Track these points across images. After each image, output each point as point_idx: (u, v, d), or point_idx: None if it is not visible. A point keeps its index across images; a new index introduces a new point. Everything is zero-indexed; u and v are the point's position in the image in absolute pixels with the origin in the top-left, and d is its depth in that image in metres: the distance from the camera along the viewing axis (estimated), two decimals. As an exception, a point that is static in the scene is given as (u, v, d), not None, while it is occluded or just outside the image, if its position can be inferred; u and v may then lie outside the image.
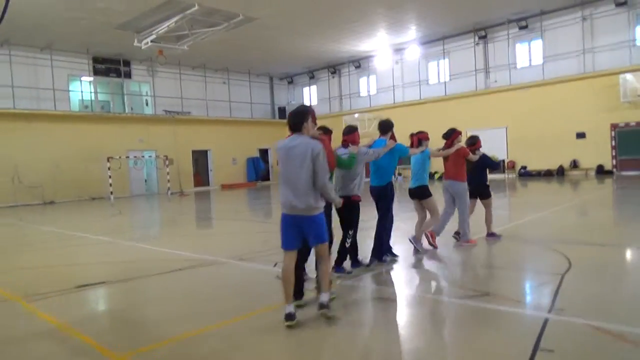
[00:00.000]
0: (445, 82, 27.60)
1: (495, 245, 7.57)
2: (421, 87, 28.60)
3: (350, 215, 5.77)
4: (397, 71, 29.60)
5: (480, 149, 7.83)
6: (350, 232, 5.80)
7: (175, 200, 22.16)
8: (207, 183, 30.91)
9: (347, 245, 5.83)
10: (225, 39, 23.71)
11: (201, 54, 26.28)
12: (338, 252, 5.88)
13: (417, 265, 6.55)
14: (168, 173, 26.40)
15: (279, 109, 35.17)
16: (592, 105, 21.91)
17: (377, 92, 31.17)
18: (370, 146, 6.27)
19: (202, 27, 21.57)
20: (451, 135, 7.37)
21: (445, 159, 7.47)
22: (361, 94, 32.21)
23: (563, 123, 22.76)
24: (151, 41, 21.45)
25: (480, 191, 7.96)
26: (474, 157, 7.57)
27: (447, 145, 7.37)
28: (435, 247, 7.17)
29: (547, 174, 23.34)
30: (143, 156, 27.13)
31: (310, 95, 35.42)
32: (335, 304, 4.67)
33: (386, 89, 30.35)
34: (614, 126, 21.71)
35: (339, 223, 5.78)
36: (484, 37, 25.49)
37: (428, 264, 6.60)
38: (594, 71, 22.29)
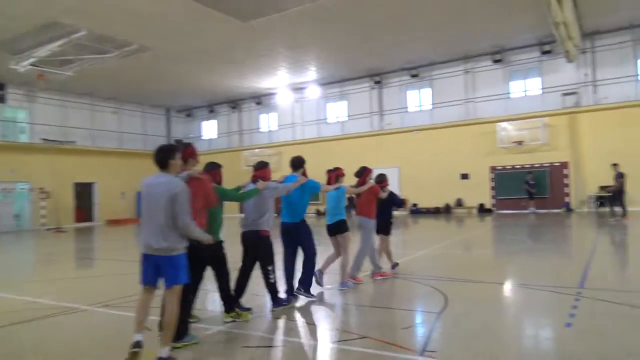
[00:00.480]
0: (342, 122, 28.49)
1: (383, 283, 7.54)
2: (320, 125, 29.23)
3: (262, 251, 5.75)
4: (297, 109, 30.05)
5: (388, 186, 8.09)
6: (270, 268, 5.73)
7: (49, 238, 19.89)
8: (90, 218, 28.41)
9: (272, 281, 5.76)
10: (117, 67, 22.42)
11: (89, 80, 24.54)
12: (268, 289, 5.83)
13: (307, 306, 6.26)
14: (43, 207, 23.81)
15: (176, 142, 33.77)
16: (474, 149, 23.75)
17: (277, 128, 31.30)
18: (281, 182, 6.20)
19: (90, 53, 20.18)
20: (363, 173, 7.56)
21: (358, 196, 7.61)
22: (261, 130, 32.13)
23: (449, 164, 24.36)
24: (30, 64, 19.60)
25: (384, 227, 8.18)
26: (383, 195, 7.78)
27: (360, 183, 7.53)
28: (360, 281, 7.42)
29: (435, 212, 24.67)
30: (14, 188, 24.27)
31: (209, 129, 34.61)
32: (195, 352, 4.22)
33: (286, 125, 30.60)
34: (492, 168, 23.65)
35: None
36: (379, 82, 26.85)
37: (318, 304, 6.35)
38: (475, 118, 24.32)
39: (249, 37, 19.57)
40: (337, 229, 7.04)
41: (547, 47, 22.03)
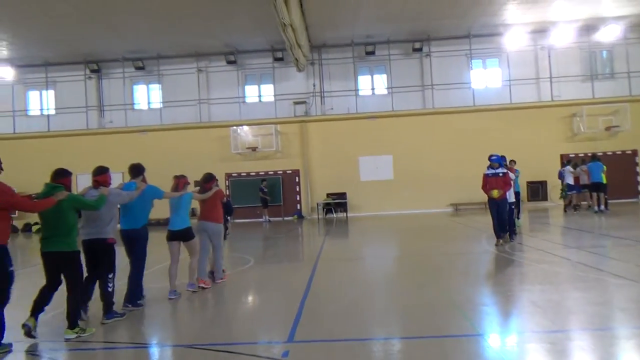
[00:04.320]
0: (48, 116, 22.96)
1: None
2: (17, 118, 22.93)
3: (107, 259, 5.68)
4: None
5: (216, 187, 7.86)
6: (110, 276, 5.68)
7: None
8: None
9: (110, 289, 5.67)
10: None
11: None
12: (103, 299, 5.67)
13: (160, 311, 6.30)
14: None
15: None
16: (209, 154, 21.87)
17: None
18: (120, 189, 6.23)
19: None
20: (210, 180, 7.68)
21: (203, 201, 7.65)
22: None
23: (182, 171, 21.76)
24: None
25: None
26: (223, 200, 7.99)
27: (208, 188, 7.62)
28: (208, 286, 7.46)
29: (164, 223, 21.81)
30: None
31: None
32: None
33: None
34: (228, 175, 22.23)
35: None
36: (97, 71, 22.54)
37: (171, 310, 6.39)
38: (209, 121, 22.54)
39: None
40: (183, 236, 7.07)
41: (279, 53, 21.87)
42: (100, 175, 5.80)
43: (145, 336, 5.64)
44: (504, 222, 10.04)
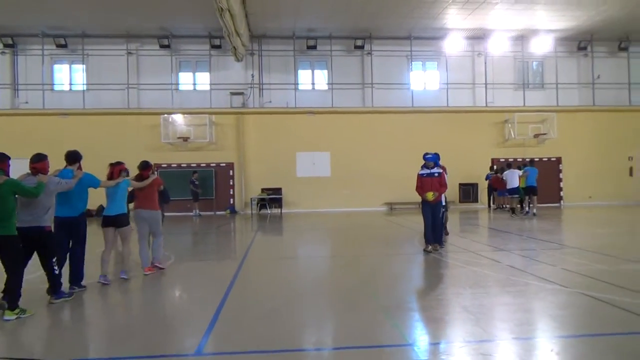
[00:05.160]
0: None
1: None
2: None
3: (49, 244, 5.78)
4: None
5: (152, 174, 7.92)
6: (54, 260, 5.81)
7: None
8: None
9: (57, 272, 5.84)
10: None
11: None
12: (52, 280, 5.83)
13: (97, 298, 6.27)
14: None
15: None
16: (137, 142, 20.43)
17: None
18: (56, 176, 6.15)
19: None
20: (146, 167, 7.73)
21: (140, 189, 7.63)
22: None
23: (105, 158, 20.25)
24: None
25: None
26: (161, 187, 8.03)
27: (145, 176, 7.63)
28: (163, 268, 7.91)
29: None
30: None
31: None
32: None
33: None
34: (157, 166, 20.89)
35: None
36: (12, 45, 20.47)
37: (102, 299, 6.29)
38: (139, 108, 21.13)
39: None
40: (119, 222, 7.09)
41: (217, 41, 20.87)
42: (39, 162, 5.73)
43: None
44: (439, 227, 9.44)
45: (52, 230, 5.90)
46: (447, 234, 10.54)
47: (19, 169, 6.21)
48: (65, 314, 5.70)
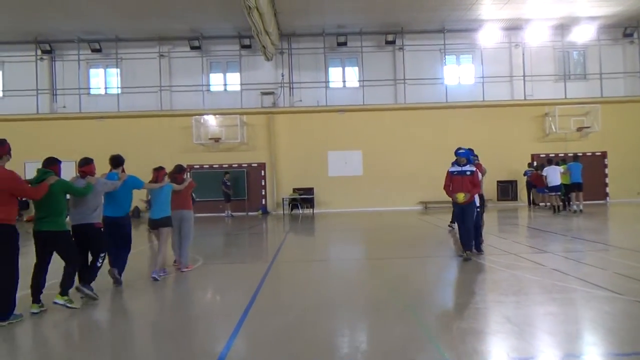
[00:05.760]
0: (-4, 99, 21.35)
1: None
2: (-41, 101, 21.22)
3: (98, 240, 6.20)
4: None
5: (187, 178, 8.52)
6: (102, 255, 6.21)
7: None
8: None
9: (99, 265, 6.19)
10: None
11: None
12: (93, 272, 6.16)
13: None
14: None
15: None
16: (169, 145, 20.65)
17: None
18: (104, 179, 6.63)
19: None
20: (181, 171, 8.22)
21: (176, 191, 7.92)
22: None
23: (139, 160, 20.44)
24: None
25: None
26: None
27: (180, 179, 8.08)
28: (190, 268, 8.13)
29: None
30: None
31: None
32: None
33: None
34: (189, 167, 21.03)
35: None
36: (50, 52, 21.00)
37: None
38: (170, 110, 21.32)
39: None
40: (164, 223, 7.55)
41: (246, 40, 20.81)
42: (86, 165, 6.19)
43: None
44: (470, 231, 8.37)
45: (102, 227, 6.32)
46: (481, 242, 9.06)
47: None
48: (73, 318, 5.62)
